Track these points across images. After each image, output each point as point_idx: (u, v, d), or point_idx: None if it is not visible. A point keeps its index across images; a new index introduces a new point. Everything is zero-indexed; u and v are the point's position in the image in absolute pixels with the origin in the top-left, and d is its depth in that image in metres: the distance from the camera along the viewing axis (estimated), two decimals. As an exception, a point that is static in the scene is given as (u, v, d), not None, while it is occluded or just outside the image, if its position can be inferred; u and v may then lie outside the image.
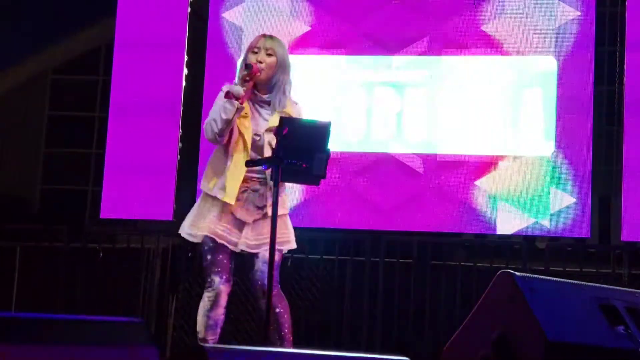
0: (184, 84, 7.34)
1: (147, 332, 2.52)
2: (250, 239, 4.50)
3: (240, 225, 4.51)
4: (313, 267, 7.10)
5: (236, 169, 4.43)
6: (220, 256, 4.53)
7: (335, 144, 6.34)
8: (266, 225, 4.41)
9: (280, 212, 4.44)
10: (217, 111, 4.43)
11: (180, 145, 7.31)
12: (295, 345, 4.61)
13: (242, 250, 4.52)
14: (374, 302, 6.99)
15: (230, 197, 4.44)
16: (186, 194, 7.20)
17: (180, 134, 7.31)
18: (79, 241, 7.41)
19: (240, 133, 4.48)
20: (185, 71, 7.35)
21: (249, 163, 4.43)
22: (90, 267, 7.28)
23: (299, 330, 4.83)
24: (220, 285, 4.53)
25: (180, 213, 7.24)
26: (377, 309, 6.98)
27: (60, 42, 8.88)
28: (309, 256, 7.02)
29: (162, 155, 7.30)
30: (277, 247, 4.41)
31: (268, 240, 4.23)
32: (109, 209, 7.34)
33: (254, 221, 4.51)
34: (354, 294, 7.06)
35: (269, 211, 4.40)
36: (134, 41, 7.44)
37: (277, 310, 4.51)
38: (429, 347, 6.73)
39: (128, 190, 7.29)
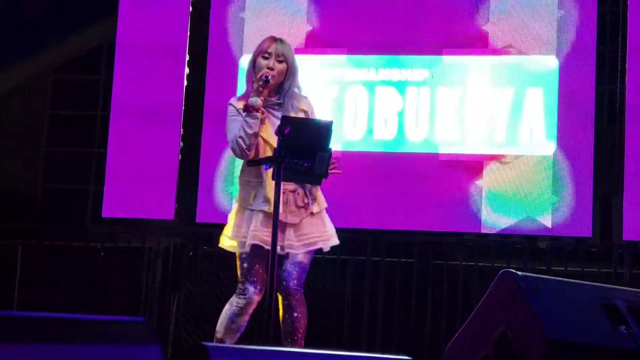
0: (185, 82, 7.33)
1: (151, 331, 2.52)
2: (294, 240, 4.56)
3: (282, 227, 4.52)
4: (314, 267, 7.08)
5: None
6: (257, 266, 4.57)
7: (336, 144, 6.37)
8: (309, 225, 4.57)
9: (317, 209, 4.62)
10: (240, 128, 4.48)
11: (181, 144, 7.31)
12: (298, 346, 4.63)
13: (287, 252, 4.57)
14: (375, 302, 6.99)
15: None
16: (187, 193, 7.20)
17: (182, 132, 7.31)
18: (80, 240, 7.42)
19: (265, 142, 4.52)
20: (187, 70, 7.35)
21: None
22: (91, 266, 7.27)
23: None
24: (253, 295, 4.58)
25: (182, 212, 7.25)
26: (378, 309, 6.97)
27: (61, 41, 8.87)
28: (310, 255, 7.01)
29: (163, 154, 7.29)
30: (312, 247, 4.62)
31: (312, 240, 4.53)
32: (110, 208, 7.34)
33: (300, 221, 4.57)
34: (355, 293, 7.06)
35: (314, 209, 4.60)
36: (135, 40, 7.43)
37: (295, 314, 4.57)
38: (431, 346, 6.73)
39: (129, 189, 7.28)
